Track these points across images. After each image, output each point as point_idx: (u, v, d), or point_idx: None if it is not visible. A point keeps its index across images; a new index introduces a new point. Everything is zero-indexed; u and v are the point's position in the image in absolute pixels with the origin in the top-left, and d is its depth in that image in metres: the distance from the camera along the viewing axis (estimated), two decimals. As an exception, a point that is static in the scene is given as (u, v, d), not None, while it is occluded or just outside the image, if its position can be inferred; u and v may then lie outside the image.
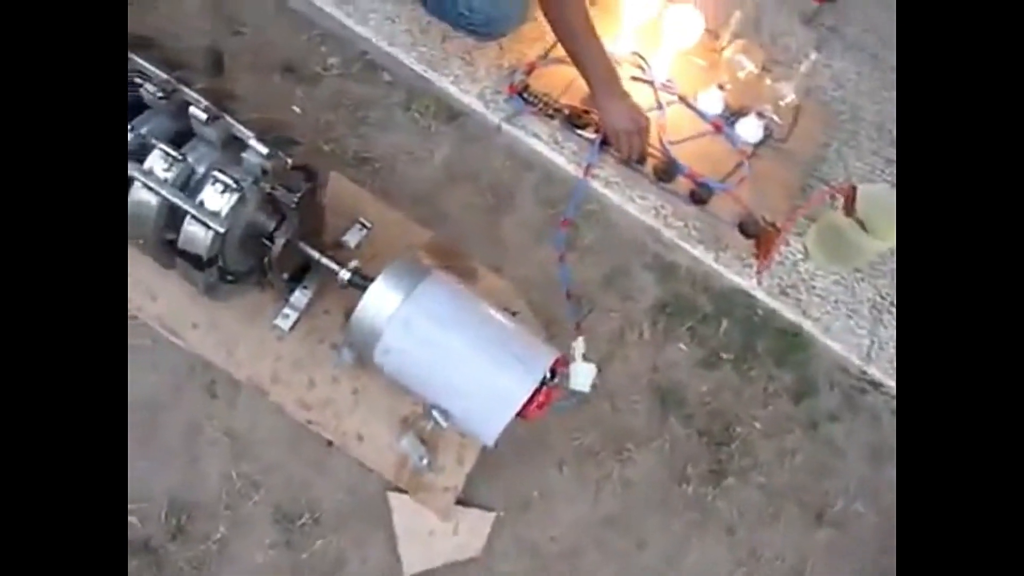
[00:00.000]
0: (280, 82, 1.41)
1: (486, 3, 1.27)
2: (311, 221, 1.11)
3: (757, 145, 1.48)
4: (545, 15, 1.30)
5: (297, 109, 1.39)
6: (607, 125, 1.36)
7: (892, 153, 1.60)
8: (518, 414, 0.97)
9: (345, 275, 1.02)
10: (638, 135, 1.35)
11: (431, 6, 1.39)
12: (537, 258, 1.34)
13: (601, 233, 1.39)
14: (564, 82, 1.44)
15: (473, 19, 1.32)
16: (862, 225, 1.35)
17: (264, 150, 0.94)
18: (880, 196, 1.34)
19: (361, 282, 1.00)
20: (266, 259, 1.03)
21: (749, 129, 1.48)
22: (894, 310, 1.41)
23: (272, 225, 1.02)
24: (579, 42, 1.31)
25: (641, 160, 1.39)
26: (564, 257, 1.30)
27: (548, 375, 0.96)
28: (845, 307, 1.39)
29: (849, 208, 1.27)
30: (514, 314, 1.24)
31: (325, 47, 1.47)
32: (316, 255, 1.05)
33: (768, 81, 1.48)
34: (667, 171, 1.39)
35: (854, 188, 1.27)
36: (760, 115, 1.47)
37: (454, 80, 1.42)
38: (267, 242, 1.02)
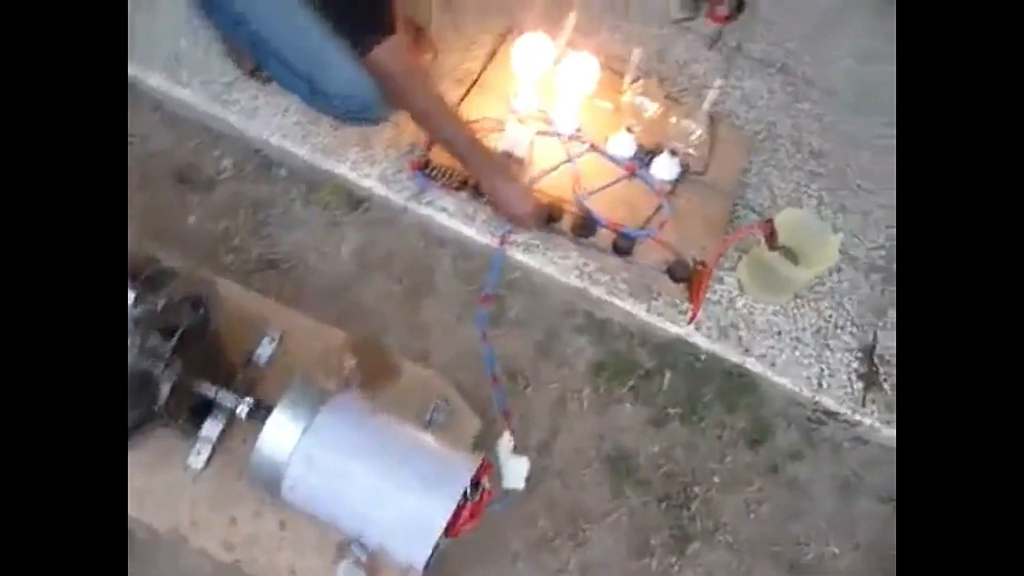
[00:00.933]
0: (173, 194, 1.35)
1: (358, 87, 1.22)
2: (205, 351, 1.04)
3: (676, 183, 1.44)
4: (402, 107, 1.27)
5: (193, 219, 1.33)
6: (499, 212, 1.32)
7: (814, 165, 1.57)
8: (447, 533, 0.90)
9: (243, 410, 0.95)
10: (530, 216, 1.30)
11: (316, 106, 1.34)
12: (464, 337, 1.28)
13: (527, 301, 1.34)
14: (467, 150, 1.39)
15: (351, 106, 1.27)
16: (790, 254, 1.31)
17: (131, 297, 0.88)
18: (801, 221, 1.30)
19: (261, 414, 0.93)
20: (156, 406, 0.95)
21: (664, 168, 1.44)
22: (840, 331, 1.37)
23: (157, 370, 0.95)
24: (439, 130, 1.27)
25: (552, 219, 1.34)
26: (487, 336, 1.24)
27: (469, 489, 0.90)
28: (788, 337, 1.34)
29: (772, 243, 1.23)
30: (435, 411, 1.17)
31: (217, 150, 1.41)
32: (211, 392, 0.98)
33: (673, 119, 1.44)
34: (585, 226, 1.34)
35: (770, 222, 1.22)
36: (673, 152, 1.43)
37: (352, 165, 1.37)
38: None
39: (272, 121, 1.39)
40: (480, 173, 1.30)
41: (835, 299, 1.40)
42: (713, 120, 1.54)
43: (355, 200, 1.38)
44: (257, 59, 1.32)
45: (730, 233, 1.41)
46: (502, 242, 1.32)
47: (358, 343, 1.23)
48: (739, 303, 1.36)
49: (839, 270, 1.43)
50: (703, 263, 1.32)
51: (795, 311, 1.37)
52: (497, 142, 1.39)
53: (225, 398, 0.98)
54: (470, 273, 1.34)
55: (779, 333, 1.34)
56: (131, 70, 1.41)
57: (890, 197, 1.53)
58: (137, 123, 1.41)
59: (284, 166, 1.40)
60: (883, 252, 1.47)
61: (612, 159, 1.45)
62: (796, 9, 1.84)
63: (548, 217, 1.34)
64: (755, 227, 1.24)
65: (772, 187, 1.51)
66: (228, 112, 1.39)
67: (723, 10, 1.73)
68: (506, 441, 1.16)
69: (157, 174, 1.37)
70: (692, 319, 1.28)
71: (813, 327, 1.36)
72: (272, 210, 1.36)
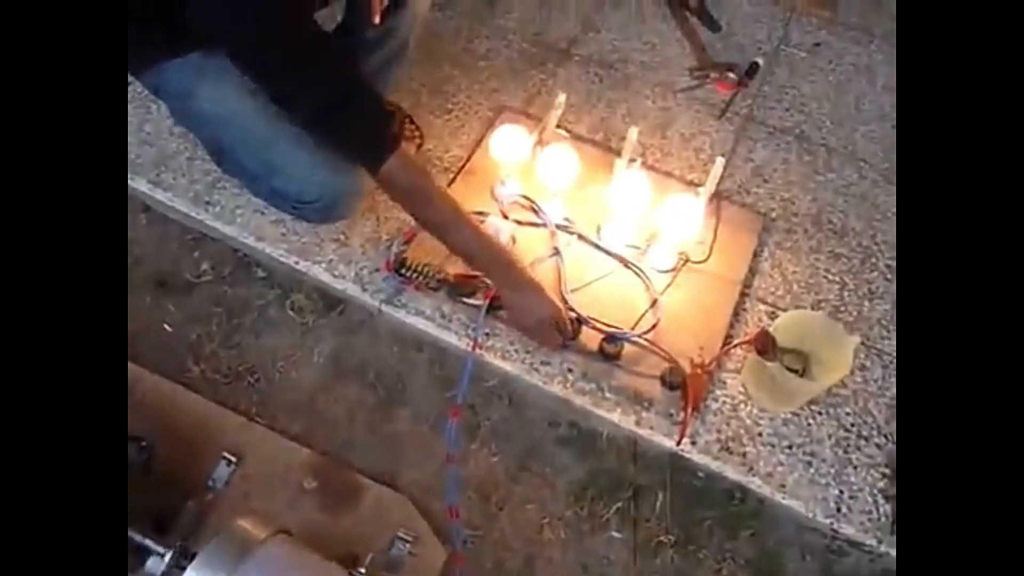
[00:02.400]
0: (151, 300, 1.34)
1: (318, 190, 1.18)
2: (151, 487, 1.00)
3: (674, 273, 1.32)
4: (414, 219, 1.20)
5: (168, 327, 1.31)
6: (515, 323, 1.23)
7: (835, 245, 1.41)
8: None
9: (159, 569, 0.89)
10: (552, 324, 1.19)
11: (276, 206, 1.30)
12: (438, 452, 1.19)
13: (505, 412, 1.24)
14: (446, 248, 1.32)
15: (311, 209, 1.23)
16: (798, 358, 1.16)
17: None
18: (809, 324, 1.15)
19: (177, 572, 0.87)
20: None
21: (660, 258, 1.32)
22: (864, 443, 1.20)
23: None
24: (454, 237, 1.15)
25: (572, 337, 1.23)
26: (453, 458, 1.14)
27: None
28: (802, 452, 1.18)
29: (770, 355, 1.09)
30: (410, 541, 1.08)
31: (198, 252, 1.40)
32: (138, 538, 0.93)
33: (671, 203, 1.33)
34: (568, 327, 1.24)
35: (764, 335, 1.08)
36: (670, 241, 1.32)
37: (328, 266, 1.32)
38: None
39: (251, 221, 1.36)
40: (493, 277, 1.20)
41: (859, 404, 1.23)
42: (719, 200, 1.42)
43: (331, 302, 1.33)
44: (217, 160, 1.30)
45: (735, 329, 1.28)
46: (475, 347, 1.23)
47: (320, 463, 1.17)
48: (743, 411, 1.21)
49: (863, 368, 1.27)
50: (702, 366, 1.19)
51: (810, 420, 1.21)
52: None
53: (151, 546, 0.92)
54: (447, 380, 1.26)
55: (790, 447, 1.18)
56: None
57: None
58: (129, 224, 1.42)
59: (262, 267, 1.37)
60: (918, 345, 1.30)
61: (603, 250, 1.34)
62: (814, 70, 1.70)
63: (575, 332, 1.23)
64: (748, 340, 1.10)
65: (786, 273, 1.37)
66: (208, 214, 1.37)
67: (733, 77, 1.63)
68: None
69: (138, 278, 1.36)
70: (680, 438, 1.14)
71: (832, 439, 1.20)
72: (246, 316, 1.32)
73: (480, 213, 1.35)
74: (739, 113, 1.60)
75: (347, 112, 1.02)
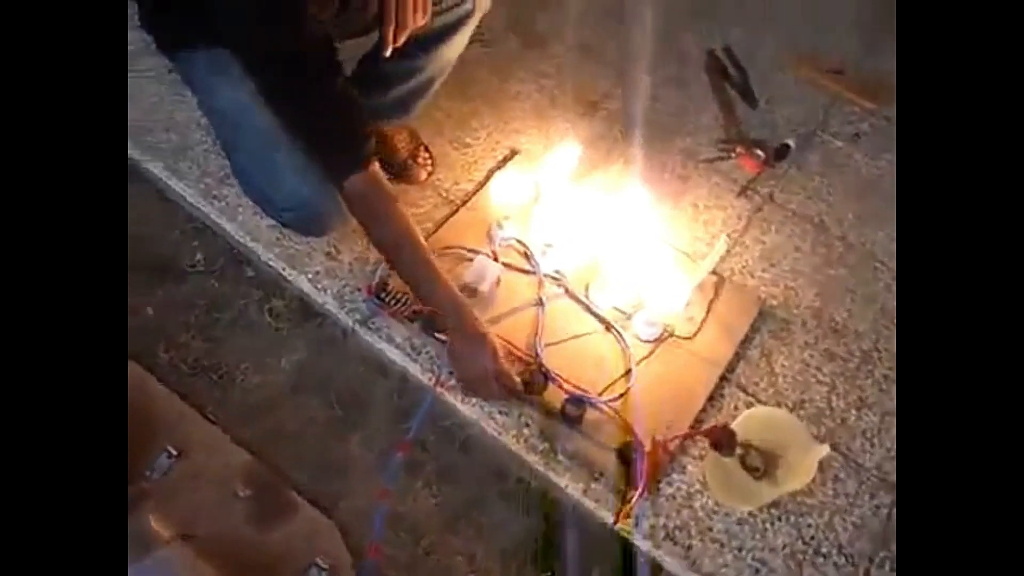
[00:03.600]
0: (143, 282, 1.36)
1: (304, 202, 1.20)
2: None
3: (656, 344, 1.28)
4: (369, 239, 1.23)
5: (150, 311, 1.33)
6: (456, 371, 1.20)
7: (832, 344, 1.35)
8: None
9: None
10: (495, 380, 1.16)
11: (264, 211, 1.33)
12: (380, 486, 1.17)
13: (455, 455, 1.21)
14: (432, 277, 1.31)
15: (291, 217, 1.25)
16: (761, 457, 1.11)
17: None
18: (777, 423, 1.10)
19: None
20: None
21: (643, 327, 1.28)
22: (822, 560, 1.12)
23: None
24: (405, 270, 1.19)
25: (533, 393, 1.20)
26: (387, 494, 1.11)
27: None
28: (751, 557, 1.11)
29: (726, 450, 1.04)
30: (326, 570, 1.06)
31: (197, 242, 1.43)
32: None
33: (669, 273, 1.30)
34: (534, 381, 1.21)
35: (725, 429, 1.03)
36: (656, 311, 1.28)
37: (313, 277, 1.33)
38: None
39: (250, 221, 1.39)
40: (448, 326, 1.20)
41: (824, 517, 1.16)
42: (719, 279, 1.38)
43: (308, 314, 1.33)
44: (227, 156, 1.33)
45: (709, 413, 1.23)
46: (437, 384, 1.21)
47: (260, 473, 1.16)
48: (698, 502, 1.15)
49: (836, 479, 1.20)
50: (661, 446, 1.15)
51: (767, 524, 1.15)
52: (463, 273, 1.31)
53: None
54: (405, 411, 1.24)
55: (740, 549, 1.12)
56: (140, 155, 1.47)
57: (922, 399, 1.28)
58: (139, 205, 1.46)
59: (252, 267, 1.39)
60: (901, 466, 1.22)
61: (588, 309, 1.32)
62: (848, 161, 1.65)
63: (526, 388, 1.19)
64: (704, 432, 1.05)
65: (774, 365, 1.31)
66: (212, 207, 1.41)
67: (761, 155, 1.59)
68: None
69: (135, 260, 1.38)
70: (618, 517, 1.09)
71: (786, 549, 1.13)
72: (226, 312, 1.34)
73: (472, 251, 1.34)
74: (759, 193, 1.56)
75: (320, 123, 1.07)
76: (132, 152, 1.47)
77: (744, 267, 1.44)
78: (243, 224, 1.39)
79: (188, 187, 1.43)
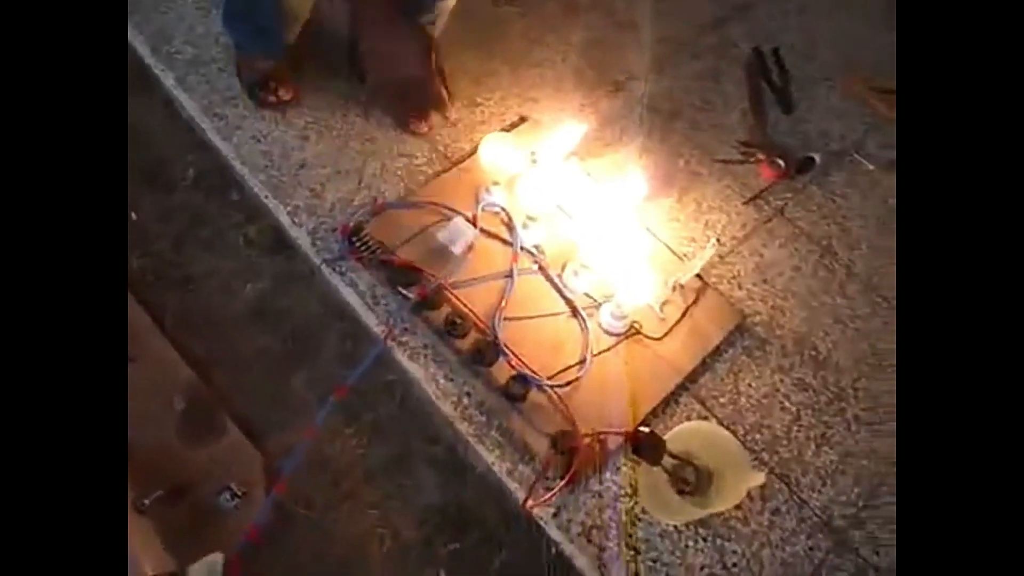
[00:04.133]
0: (134, 186, 1.38)
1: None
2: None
3: (623, 337, 1.24)
4: None
5: (134, 216, 1.35)
6: (377, 76, 1.13)
7: (807, 374, 1.28)
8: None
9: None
10: (420, 90, 1.06)
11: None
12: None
13: (392, 411, 1.20)
14: (408, 232, 1.29)
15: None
16: (697, 474, 1.06)
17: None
18: (717, 441, 1.05)
19: None
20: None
21: (609, 319, 1.24)
22: (739, 589, 1.08)
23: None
24: None
25: (476, 360, 1.17)
26: (313, 433, 1.10)
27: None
28: (665, 572, 1.08)
29: (647, 456, 0.99)
30: (240, 496, 1.07)
31: (191, 156, 1.43)
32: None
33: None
34: (485, 352, 1.18)
35: (648, 434, 0.99)
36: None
37: (292, 211, 1.32)
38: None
39: (244, 144, 1.39)
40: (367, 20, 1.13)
41: (752, 547, 1.11)
42: (703, 284, 1.32)
43: (281, 246, 1.33)
44: None
45: (660, 420, 1.18)
46: (389, 336, 1.19)
47: (199, 391, 1.17)
48: (624, 505, 1.11)
49: (776, 512, 1.14)
50: (597, 441, 1.11)
51: (690, 542, 1.10)
52: (438, 231, 1.28)
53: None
54: (353, 358, 1.23)
55: (655, 562, 1.08)
56: (156, 63, 1.48)
57: (889, 445, 1.21)
58: (144, 111, 1.47)
59: (237, 190, 1.39)
60: (849, 513, 1.16)
61: (560, 291, 1.28)
62: (875, 187, 1.55)
63: (475, 358, 1.17)
64: (623, 432, 1.00)
65: (740, 383, 1.25)
66: (211, 124, 1.41)
67: (781, 164, 1.51)
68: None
69: (132, 166, 1.41)
70: (527, 498, 1.06)
71: (704, 571, 1.08)
72: (203, 229, 1.34)
73: (452, 210, 1.31)
74: (770, 204, 1.48)
75: None
76: (148, 60, 1.48)
77: (735, 277, 1.37)
78: (237, 147, 1.38)
79: (193, 101, 1.44)
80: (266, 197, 1.34)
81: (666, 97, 1.60)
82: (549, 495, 1.07)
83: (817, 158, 1.52)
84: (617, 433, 1.06)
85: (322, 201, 1.34)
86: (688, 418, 1.20)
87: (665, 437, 1.02)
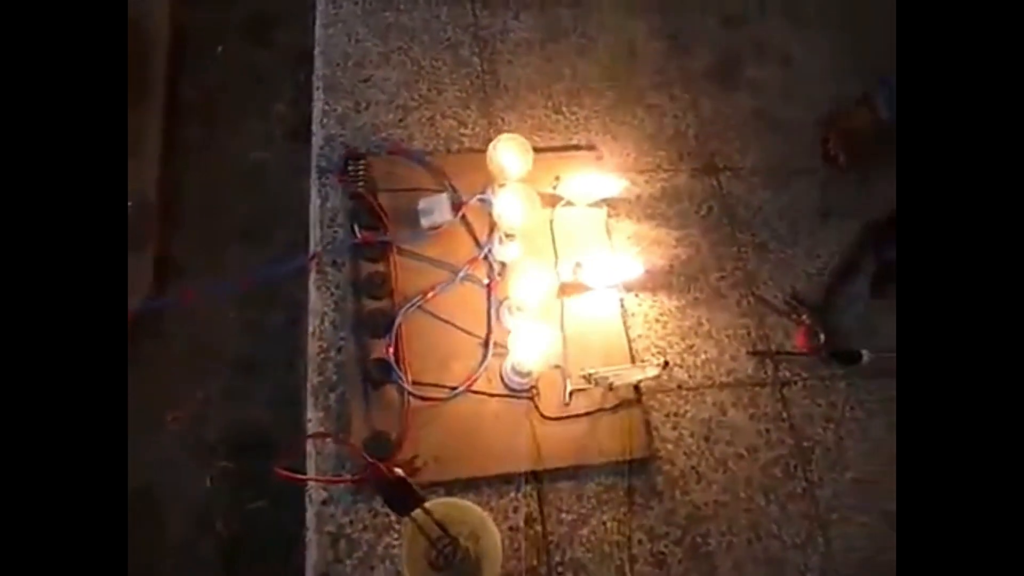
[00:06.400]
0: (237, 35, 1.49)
1: None
2: None
3: (514, 395, 1.13)
4: None
5: (219, 50, 1.47)
6: None
7: (672, 553, 1.08)
8: None
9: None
10: None
11: None
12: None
13: (276, 321, 1.23)
14: (400, 183, 1.26)
15: None
16: (447, 554, 0.95)
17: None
18: (490, 534, 0.92)
19: None
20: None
21: (512, 371, 1.13)
22: None
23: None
24: None
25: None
26: (189, 297, 1.14)
27: None
28: (377, 624, 0.99)
29: (395, 504, 0.88)
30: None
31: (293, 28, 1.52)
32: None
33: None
34: (378, 324, 1.13)
35: (401, 481, 0.88)
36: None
37: (327, 111, 1.34)
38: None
39: (335, 37, 1.42)
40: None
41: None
42: (635, 396, 1.16)
43: (298, 134, 1.37)
44: None
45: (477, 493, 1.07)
46: (315, 257, 1.19)
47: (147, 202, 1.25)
48: (381, 545, 1.03)
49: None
50: (385, 466, 0.97)
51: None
52: (422, 197, 1.25)
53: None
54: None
55: (373, 607, 0.99)
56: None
57: None
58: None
59: (305, 73, 1.43)
60: None
61: (489, 316, 1.19)
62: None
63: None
64: (376, 466, 0.88)
65: (597, 512, 1.09)
66: (324, 6, 1.47)
67: (822, 341, 1.28)
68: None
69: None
70: (281, 466, 0.98)
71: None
72: (254, 84, 1.42)
73: (450, 187, 1.27)
74: (777, 370, 1.25)
75: None
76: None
77: (678, 414, 1.19)
78: (328, 35, 1.43)
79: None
80: (317, 88, 1.38)
81: (748, 205, 1.40)
82: (323, 479, 1.02)
83: (867, 356, 1.26)
84: (367, 460, 0.94)
85: (357, 117, 1.35)
86: (515, 511, 1.07)
87: (439, 500, 0.92)
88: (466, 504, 0.94)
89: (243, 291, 1.18)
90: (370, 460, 0.86)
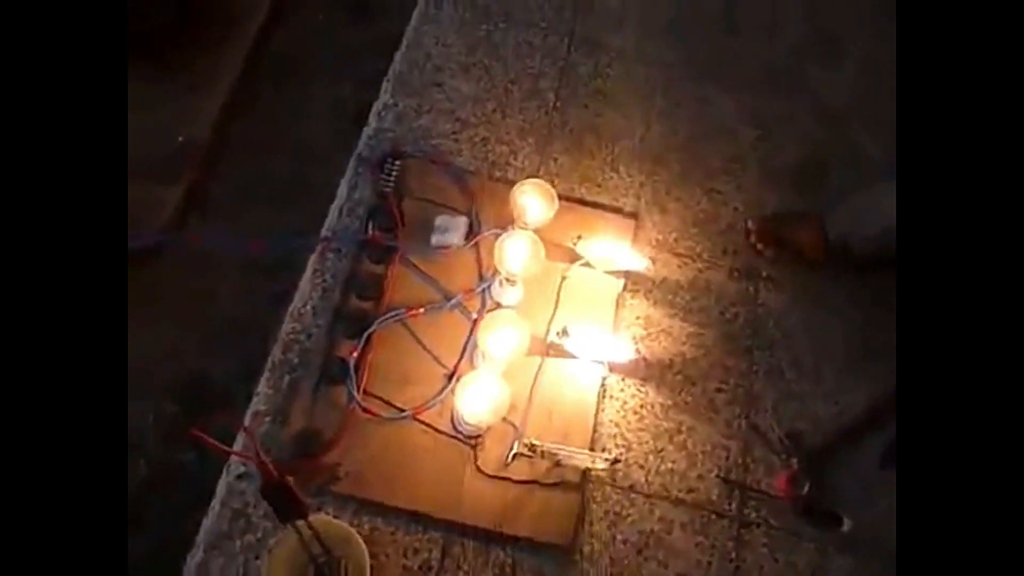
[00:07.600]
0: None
1: None
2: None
3: (460, 438, 1.10)
4: None
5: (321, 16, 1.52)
6: None
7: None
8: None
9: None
10: None
11: None
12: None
13: (268, 291, 1.23)
14: (430, 194, 1.26)
15: None
16: (322, 567, 0.93)
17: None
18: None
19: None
20: None
21: (463, 416, 1.10)
22: None
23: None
24: None
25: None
26: (197, 240, 1.18)
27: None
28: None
29: (278, 509, 0.86)
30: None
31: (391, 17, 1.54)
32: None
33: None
34: (353, 325, 1.13)
35: (285, 486, 0.85)
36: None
37: (389, 105, 1.36)
38: None
39: (424, 37, 1.44)
40: None
41: None
42: (579, 482, 1.10)
43: (354, 121, 1.37)
44: None
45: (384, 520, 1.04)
46: (323, 242, 1.20)
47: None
48: (274, 538, 1.02)
49: None
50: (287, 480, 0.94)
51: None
52: (443, 214, 1.24)
53: None
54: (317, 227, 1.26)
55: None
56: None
57: None
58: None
59: (385, 62, 1.44)
60: None
61: (463, 350, 1.16)
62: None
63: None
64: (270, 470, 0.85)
65: (494, 585, 1.04)
66: (424, 7, 1.49)
67: (803, 493, 1.18)
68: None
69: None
70: (199, 430, 0.99)
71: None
72: (336, 59, 1.47)
73: (474, 214, 1.25)
74: (744, 506, 1.15)
75: None
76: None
77: (618, 513, 1.11)
78: (418, 33, 1.45)
79: (439, -18, 1.53)
80: (387, 80, 1.40)
81: (779, 324, 1.29)
82: (230, 450, 1.00)
83: (847, 526, 1.13)
84: (257, 456, 0.91)
85: (415, 118, 1.36)
86: (414, 553, 1.04)
87: (325, 518, 0.90)
88: (353, 534, 0.92)
89: (249, 253, 1.22)
90: (260, 456, 0.84)
